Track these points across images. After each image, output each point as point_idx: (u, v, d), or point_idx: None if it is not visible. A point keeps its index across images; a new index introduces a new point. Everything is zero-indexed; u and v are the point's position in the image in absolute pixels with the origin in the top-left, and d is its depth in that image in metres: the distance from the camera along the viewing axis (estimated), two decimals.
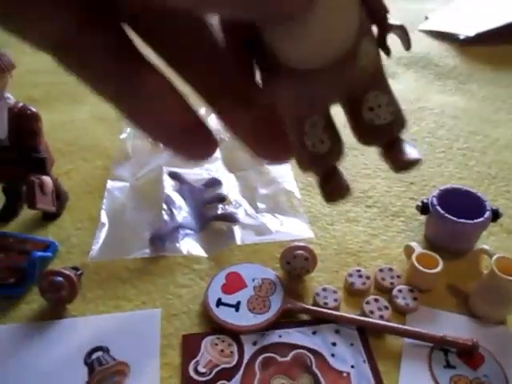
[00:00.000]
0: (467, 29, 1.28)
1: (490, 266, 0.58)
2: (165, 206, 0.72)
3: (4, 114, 0.63)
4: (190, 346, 0.56)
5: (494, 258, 0.57)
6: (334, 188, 0.25)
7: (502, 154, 0.91)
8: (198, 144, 0.21)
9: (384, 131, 0.23)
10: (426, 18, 1.42)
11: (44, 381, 0.52)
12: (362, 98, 0.23)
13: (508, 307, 0.58)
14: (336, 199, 0.25)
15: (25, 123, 0.64)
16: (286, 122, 0.23)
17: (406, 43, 0.23)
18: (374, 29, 0.22)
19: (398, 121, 0.23)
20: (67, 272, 0.59)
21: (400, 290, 0.61)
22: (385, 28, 0.22)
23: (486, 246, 0.61)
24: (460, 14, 1.39)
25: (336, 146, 0.24)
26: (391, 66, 1.20)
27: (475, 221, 0.64)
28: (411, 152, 0.23)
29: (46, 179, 0.65)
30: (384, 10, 0.22)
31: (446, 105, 1.05)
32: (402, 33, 0.23)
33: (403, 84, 1.13)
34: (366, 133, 0.23)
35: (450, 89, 1.12)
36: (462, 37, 1.28)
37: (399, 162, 0.23)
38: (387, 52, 0.22)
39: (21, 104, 0.65)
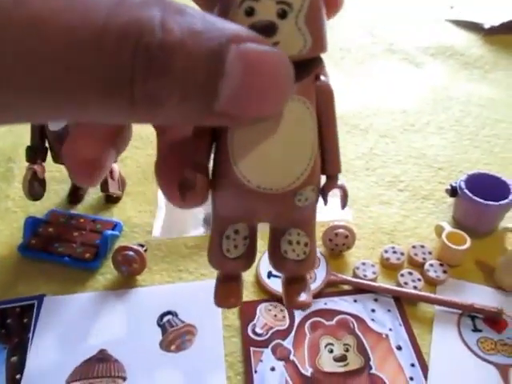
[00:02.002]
0: (492, 18, 1.32)
1: None
2: None
3: None
4: (247, 311, 0.64)
5: None
6: (226, 293, 0.26)
7: None
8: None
9: (292, 266, 0.26)
10: (451, 7, 1.46)
11: (124, 340, 0.61)
12: (286, 230, 0.25)
13: None
14: (224, 304, 0.26)
15: None
16: (213, 217, 0.25)
17: (343, 203, 0.26)
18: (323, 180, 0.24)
19: (307, 262, 0.26)
20: (137, 247, 0.68)
21: (431, 265, 0.68)
22: (331, 185, 0.25)
23: (510, 225, 0.67)
24: (484, 3, 1.42)
25: (247, 257, 0.25)
26: (419, 55, 1.25)
27: (500, 202, 0.70)
28: (304, 296, 0.26)
29: (114, 166, 0.73)
30: (337, 170, 0.25)
31: (472, 93, 1.10)
32: (344, 194, 0.27)
33: (430, 73, 1.18)
34: (277, 260, 0.26)
35: (476, 78, 1.17)
36: (486, 26, 1.31)
37: (291, 302, 0.26)
38: (325, 202, 0.25)
39: None
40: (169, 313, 0.64)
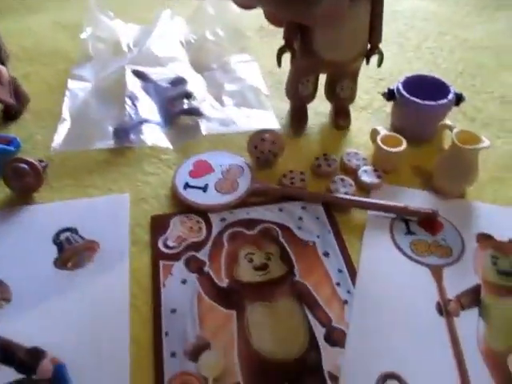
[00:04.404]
0: None
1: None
2: (128, 102, 0.71)
3: None
4: (158, 225, 0.56)
5: (455, 131, 0.58)
6: (299, 120, 0.69)
7: (470, 53, 0.91)
8: None
9: (342, 101, 0.69)
10: None
11: (11, 260, 0.52)
12: (340, 79, 0.66)
13: (468, 179, 0.59)
14: (297, 130, 0.69)
15: None
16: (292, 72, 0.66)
17: (379, 62, 0.64)
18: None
19: (351, 99, 0.69)
20: (31, 159, 0.59)
21: (365, 171, 0.62)
22: (374, 50, 0.63)
23: (448, 122, 0.62)
24: None
25: (312, 94, 0.68)
26: None
27: (439, 102, 0.65)
28: (347, 120, 0.71)
29: (2, 68, 0.62)
30: (379, 40, 0.62)
31: (417, 8, 1.04)
32: (380, 56, 0.63)
33: None
34: (333, 97, 0.69)
35: None
36: None
37: (338, 125, 0.70)
38: (368, 62, 0.64)
39: None
40: (67, 230, 0.56)
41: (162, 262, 0.52)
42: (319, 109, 0.75)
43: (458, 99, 0.67)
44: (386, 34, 0.93)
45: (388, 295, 0.50)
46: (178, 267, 0.52)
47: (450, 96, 0.65)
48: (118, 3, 0.97)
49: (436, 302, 0.49)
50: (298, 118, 0.71)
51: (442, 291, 0.50)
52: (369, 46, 0.62)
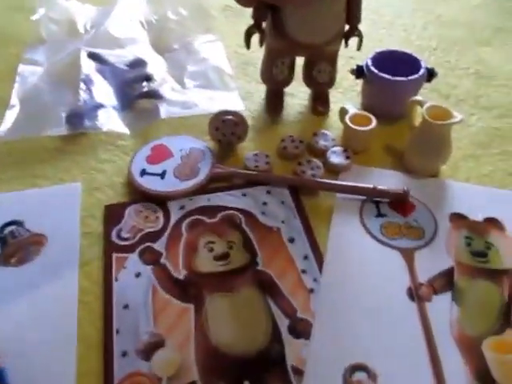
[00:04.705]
0: None
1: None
2: (83, 86, 0.66)
3: None
4: (112, 215, 0.53)
5: (426, 106, 0.55)
6: (274, 105, 0.64)
7: (444, 28, 0.88)
8: None
9: (320, 86, 0.63)
10: None
11: None
12: (317, 63, 0.60)
13: (440, 156, 0.57)
14: (273, 115, 0.63)
15: None
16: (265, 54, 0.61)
17: (359, 45, 0.60)
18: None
19: (329, 83, 0.64)
20: None
21: (334, 151, 0.59)
22: (353, 32, 0.58)
23: (419, 97, 0.59)
24: None
25: (288, 78, 0.62)
26: None
27: (409, 78, 0.61)
28: (326, 106, 0.65)
29: None
30: (358, 21, 0.57)
31: None
32: (360, 38, 0.59)
33: None
34: (310, 82, 0.63)
35: None
36: None
37: (316, 111, 0.64)
38: (346, 45, 0.59)
39: None
40: (12, 223, 0.51)
41: (114, 255, 0.49)
42: (296, 93, 0.71)
43: (430, 75, 0.64)
44: None
45: (357, 282, 0.47)
46: (132, 260, 0.48)
47: (421, 71, 0.62)
48: None
49: (407, 287, 0.47)
50: (273, 102, 0.66)
51: (414, 275, 0.48)
52: (347, 26, 0.58)
